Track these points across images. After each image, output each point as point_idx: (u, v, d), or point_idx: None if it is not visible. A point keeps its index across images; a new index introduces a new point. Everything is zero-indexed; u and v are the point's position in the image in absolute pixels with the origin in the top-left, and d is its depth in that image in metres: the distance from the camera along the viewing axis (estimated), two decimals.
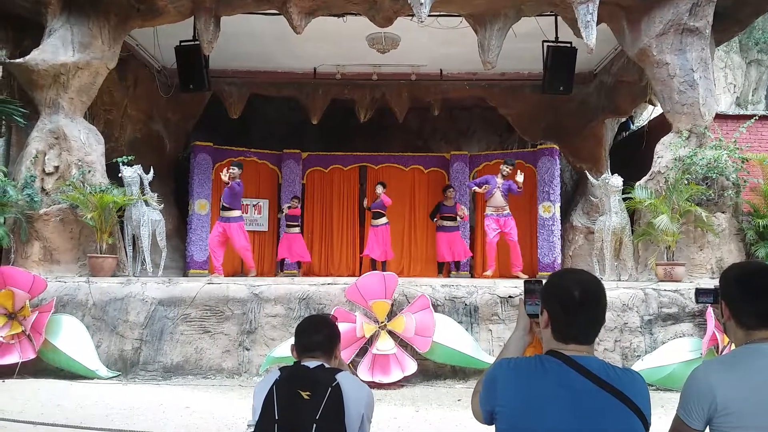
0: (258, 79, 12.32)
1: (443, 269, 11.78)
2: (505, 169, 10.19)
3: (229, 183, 9.59)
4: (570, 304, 1.72)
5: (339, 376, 2.19)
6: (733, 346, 1.99)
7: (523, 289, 1.99)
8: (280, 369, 2.27)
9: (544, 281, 1.90)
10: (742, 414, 1.72)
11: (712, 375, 1.80)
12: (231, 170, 9.66)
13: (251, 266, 10.04)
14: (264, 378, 2.33)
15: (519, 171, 10.12)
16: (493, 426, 1.75)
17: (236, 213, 9.78)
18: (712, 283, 7.51)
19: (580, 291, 1.72)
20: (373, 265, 11.11)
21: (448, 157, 13.07)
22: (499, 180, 10.18)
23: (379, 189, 11.08)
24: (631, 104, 11.76)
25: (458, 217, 11.46)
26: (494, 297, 7.19)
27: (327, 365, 2.28)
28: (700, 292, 2.23)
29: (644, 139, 11.45)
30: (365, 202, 11.80)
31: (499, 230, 10.16)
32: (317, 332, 2.35)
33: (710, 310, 6.45)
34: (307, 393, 2.11)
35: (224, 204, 9.72)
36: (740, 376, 1.77)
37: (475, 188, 10.45)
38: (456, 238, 11.48)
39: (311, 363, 2.27)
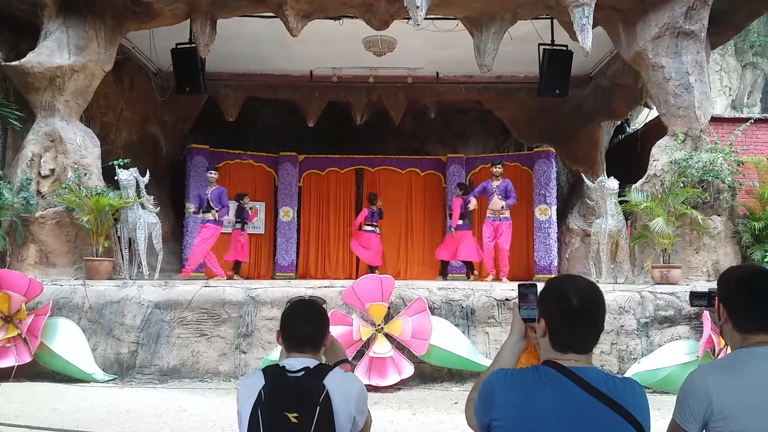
0: (254, 82, 12.31)
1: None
2: (497, 169, 10.16)
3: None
4: (568, 313, 1.69)
5: (328, 382, 2.05)
6: (729, 349, 1.99)
7: (517, 292, 1.97)
8: (264, 374, 2.10)
9: (538, 285, 1.89)
10: (738, 418, 1.72)
11: (709, 379, 1.80)
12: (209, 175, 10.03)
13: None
14: (248, 380, 2.14)
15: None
16: None
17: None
18: (707, 286, 7.52)
19: (578, 299, 1.69)
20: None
21: (444, 160, 13.09)
22: (495, 183, 10.15)
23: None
24: (626, 107, 11.80)
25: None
26: (491, 300, 7.19)
27: (315, 361, 2.16)
28: (694, 296, 2.24)
29: (638, 142, 11.48)
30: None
31: (494, 237, 10.11)
32: (305, 324, 2.21)
33: (706, 313, 6.47)
34: (295, 415, 1.97)
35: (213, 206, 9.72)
36: (736, 380, 1.77)
37: (474, 200, 10.43)
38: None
39: (297, 363, 2.11)
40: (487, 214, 10.26)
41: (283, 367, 2.11)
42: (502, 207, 10.07)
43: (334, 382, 2.07)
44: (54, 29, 8.46)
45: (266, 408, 1.99)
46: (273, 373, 2.11)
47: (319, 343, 2.23)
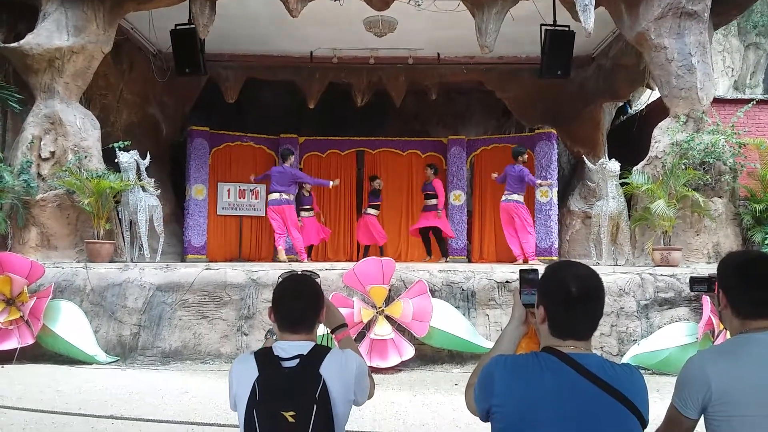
0: (254, 63, 12.23)
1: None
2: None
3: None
4: (567, 300, 1.69)
5: (324, 369, 1.97)
6: (728, 334, 2.00)
7: (519, 278, 1.97)
8: (257, 361, 2.00)
9: (540, 269, 1.88)
10: (737, 403, 1.73)
11: (708, 364, 1.81)
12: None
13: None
14: (240, 365, 2.05)
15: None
16: (489, 423, 1.73)
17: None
18: (708, 268, 7.54)
19: (577, 287, 1.69)
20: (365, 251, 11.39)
21: (445, 142, 13.05)
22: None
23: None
24: (629, 88, 11.72)
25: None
26: (491, 282, 7.21)
27: (309, 344, 2.04)
28: (694, 281, 2.24)
29: (640, 124, 11.44)
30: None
31: None
32: (297, 301, 2.09)
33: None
34: (291, 413, 1.88)
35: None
36: (735, 366, 1.78)
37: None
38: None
39: (291, 348, 2.01)
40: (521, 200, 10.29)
41: (277, 356, 2.00)
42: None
43: (330, 368, 1.98)
44: (52, 10, 8.40)
45: (261, 407, 1.91)
46: (266, 362, 2.00)
47: (313, 322, 2.12)
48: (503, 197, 10.14)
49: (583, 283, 1.71)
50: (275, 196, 10.18)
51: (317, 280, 2.24)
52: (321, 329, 2.22)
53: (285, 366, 1.98)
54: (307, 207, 11.44)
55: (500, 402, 1.66)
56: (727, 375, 1.76)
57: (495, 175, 10.55)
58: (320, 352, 2.04)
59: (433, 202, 11.19)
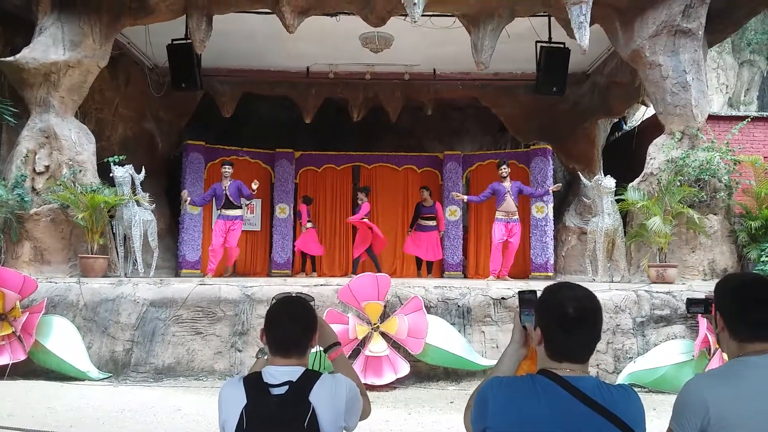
0: (251, 78, 12.27)
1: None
2: (505, 169, 10.03)
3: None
4: (564, 322, 1.68)
5: (314, 397, 1.94)
6: (725, 355, 1.98)
7: (518, 299, 1.95)
8: (246, 387, 1.99)
9: (538, 291, 1.87)
10: (735, 427, 1.71)
11: (705, 389, 1.78)
12: (223, 170, 9.93)
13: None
14: (229, 390, 2.03)
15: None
16: None
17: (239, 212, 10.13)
18: (704, 285, 7.53)
19: (574, 309, 1.68)
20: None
21: (441, 157, 13.06)
22: (507, 184, 9.87)
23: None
24: (624, 105, 11.78)
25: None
26: (487, 298, 7.18)
27: (300, 369, 2.02)
28: (691, 302, 2.22)
29: (635, 140, 11.50)
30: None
31: (506, 236, 9.85)
32: (290, 325, 2.06)
33: None
34: None
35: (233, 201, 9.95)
36: (733, 390, 1.76)
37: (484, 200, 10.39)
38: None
39: (281, 374, 1.99)
40: (498, 216, 9.87)
41: (267, 382, 1.97)
42: (515, 209, 9.90)
43: (320, 395, 1.95)
44: (49, 25, 8.41)
45: None
46: (255, 387, 1.98)
47: (305, 346, 2.09)
48: (517, 216, 9.97)
49: (580, 305, 1.69)
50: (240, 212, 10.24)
51: (311, 303, 2.21)
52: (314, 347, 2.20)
53: (274, 393, 1.95)
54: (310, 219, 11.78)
55: (494, 424, 1.65)
56: (725, 400, 1.74)
57: (462, 196, 10.45)
58: (310, 378, 2.00)
59: (433, 223, 11.37)
